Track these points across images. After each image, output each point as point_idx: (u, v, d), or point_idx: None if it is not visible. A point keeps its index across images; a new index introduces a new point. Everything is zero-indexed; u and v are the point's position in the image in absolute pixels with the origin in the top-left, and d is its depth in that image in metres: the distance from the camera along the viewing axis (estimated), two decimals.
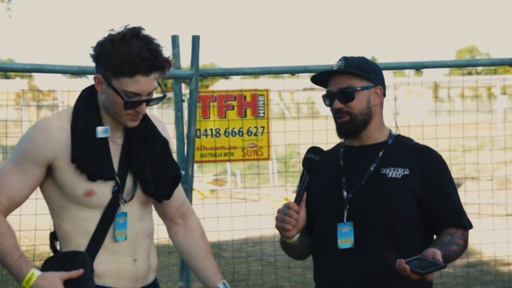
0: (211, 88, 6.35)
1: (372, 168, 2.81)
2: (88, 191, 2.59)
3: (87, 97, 2.66)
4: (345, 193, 2.81)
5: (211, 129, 5.21)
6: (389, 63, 5.48)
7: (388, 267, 2.73)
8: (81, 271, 2.53)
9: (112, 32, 2.55)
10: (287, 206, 2.73)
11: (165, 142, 2.74)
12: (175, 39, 4.90)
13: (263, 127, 5.25)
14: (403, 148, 2.86)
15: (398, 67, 5.53)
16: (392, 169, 2.79)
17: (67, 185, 2.59)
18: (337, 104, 2.82)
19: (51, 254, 2.73)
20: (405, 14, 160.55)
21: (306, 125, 5.65)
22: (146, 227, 2.73)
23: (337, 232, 2.77)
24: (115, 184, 2.62)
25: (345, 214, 2.77)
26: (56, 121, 2.62)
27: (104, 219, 2.62)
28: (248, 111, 5.25)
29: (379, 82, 2.87)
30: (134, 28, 2.54)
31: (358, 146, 2.88)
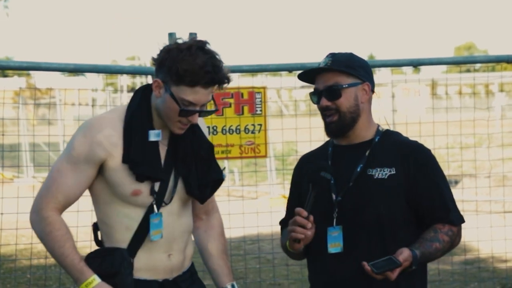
0: None
1: (358, 169, 2.78)
2: (135, 190, 2.67)
3: (141, 98, 2.73)
4: (334, 196, 2.78)
5: (208, 127, 5.18)
6: (386, 60, 5.48)
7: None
8: None
9: (179, 41, 2.63)
10: (300, 216, 2.68)
11: (210, 147, 2.82)
12: (172, 36, 4.89)
13: (260, 125, 5.24)
14: (390, 146, 2.82)
15: (395, 64, 5.53)
16: (378, 169, 2.76)
17: (116, 184, 2.67)
18: (324, 101, 2.80)
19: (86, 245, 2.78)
20: (404, 11, 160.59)
21: (304, 122, 5.64)
22: (184, 224, 2.81)
23: (327, 236, 2.75)
24: (159, 186, 2.70)
25: (335, 217, 2.75)
26: (108, 120, 2.69)
27: (147, 217, 2.70)
28: (245, 108, 5.24)
29: (367, 78, 2.83)
30: (200, 41, 2.63)
31: (346, 145, 2.85)
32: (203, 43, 2.62)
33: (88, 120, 2.73)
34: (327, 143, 2.96)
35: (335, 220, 2.75)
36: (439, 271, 6.38)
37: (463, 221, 2.80)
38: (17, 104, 13.41)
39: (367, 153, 2.80)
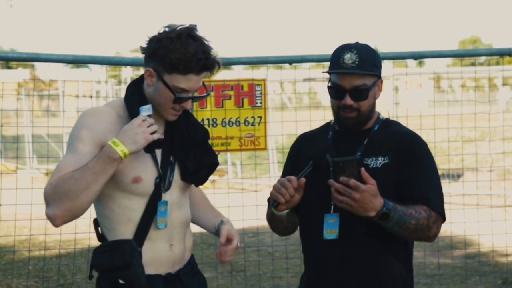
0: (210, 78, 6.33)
1: None
2: (136, 177, 2.67)
3: (133, 90, 2.77)
4: None
5: (208, 119, 5.19)
6: (387, 53, 5.45)
7: (372, 256, 2.74)
8: None
9: (167, 29, 2.67)
10: (288, 179, 2.73)
11: (206, 132, 2.88)
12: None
13: (260, 117, 5.23)
14: (388, 135, 2.83)
15: (396, 57, 5.50)
16: (373, 158, 2.78)
17: (117, 172, 2.64)
18: (348, 100, 2.77)
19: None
20: (409, 5, 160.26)
21: (305, 115, 5.63)
22: (183, 215, 2.83)
23: (324, 223, 2.77)
24: (157, 175, 2.72)
25: (332, 204, 2.73)
26: (103, 109, 2.72)
27: (149, 207, 2.71)
28: (245, 101, 5.23)
29: (380, 73, 2.84)
30: (188, 28, 2.67)
31: (347, 132, 2.86)
32: (191, 30, 2.66)
33: (85, 111, 2.72)
34: (327, 125, 2.96)
35: (332, 207, 2.75)
36: (439, 265, 6.37)
37: (443, 214, 2.77)
38: (20, 95, 13.42)
39: (365, 142, 2.81)
